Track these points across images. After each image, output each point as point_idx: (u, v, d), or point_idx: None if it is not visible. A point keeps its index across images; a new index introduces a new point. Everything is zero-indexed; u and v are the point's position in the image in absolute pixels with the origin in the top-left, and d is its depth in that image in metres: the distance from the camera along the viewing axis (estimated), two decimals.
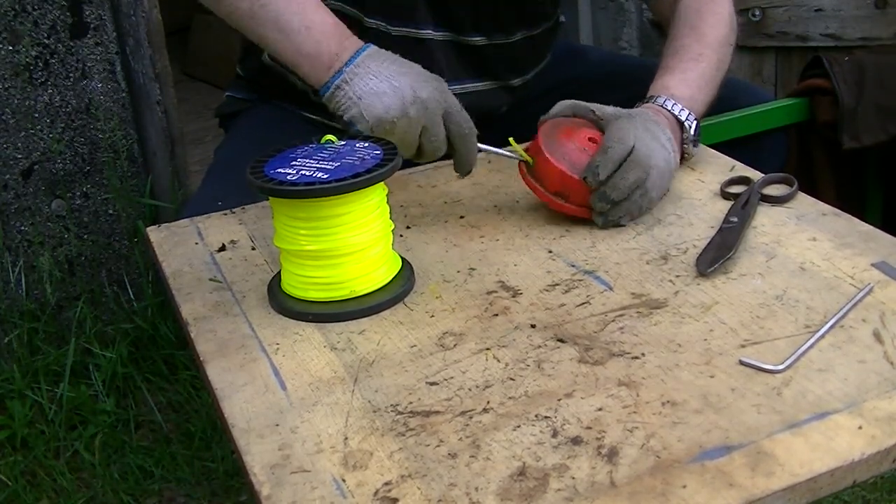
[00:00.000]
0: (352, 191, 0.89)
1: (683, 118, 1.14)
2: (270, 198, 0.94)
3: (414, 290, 0.96)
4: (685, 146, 1.16)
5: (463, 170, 1.10)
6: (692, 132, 1.15)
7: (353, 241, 0.93)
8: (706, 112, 1.21)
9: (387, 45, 1.11)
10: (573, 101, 1.14)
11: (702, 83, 1.19)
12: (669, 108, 1.14)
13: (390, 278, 0.96)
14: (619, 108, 1.11)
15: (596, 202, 1.04)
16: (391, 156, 0.94)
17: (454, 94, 1.08)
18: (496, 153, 1.09)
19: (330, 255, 0.93)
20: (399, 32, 1.29)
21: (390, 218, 0.97)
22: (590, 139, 1.08)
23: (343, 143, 0.97)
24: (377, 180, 0.91)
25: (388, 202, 0.97)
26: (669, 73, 1.19)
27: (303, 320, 0.93)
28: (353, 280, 0.94)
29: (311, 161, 0.93)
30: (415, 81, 1.05)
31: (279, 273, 0.98)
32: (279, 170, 0.92)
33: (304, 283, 0.94)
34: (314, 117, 1.36)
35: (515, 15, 1.35)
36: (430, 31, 1.30)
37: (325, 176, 0.90)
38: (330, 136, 0.99)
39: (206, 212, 1.17)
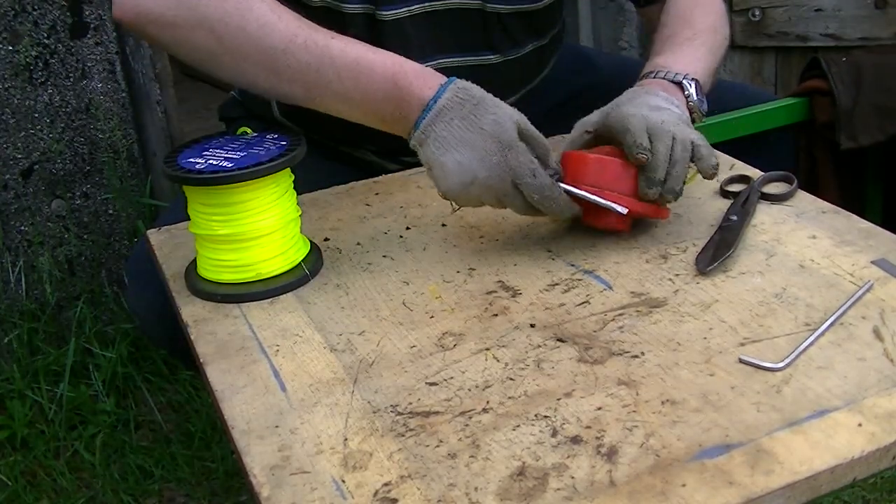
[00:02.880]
0: (252, 178, 0.95)
1: (680, 80, 1.11)
2: (184, 186, 0.99)
3: (414, 291, 0.97)
4: (690, 104, 1.11)
5: (560, 219, 1.04)
6: (693, 90, 1.11)
7: (259, 226, 0.98)
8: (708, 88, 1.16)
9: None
10: (568, 140, 1.09)
11: (697, 55, 1.17)
12: (662, 76, 1.12)
13: (297, 262, 1.01)
14: (601, 110, 1.07)
15: (646, 188, 0.99)
16: (295, 146, 0.98)
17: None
18: (588, 198, 0.99)
19: (238, 239, 0.98)
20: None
21: (390, 218, 0.97)
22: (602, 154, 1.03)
23: (255, 134, 1.01)
24: (277, 169, 0.96)
25: (294, 189, 1.01)
26: (658, 55, 1.18)
27: (212, 300, 0.97)
28: (260, 263, 0.99)
29: (221, 151, 0.98)
30: (478, 156, 0.97)
31: (195, 259, 1.03)
32: (190, 159, 0.97)
33: (216, 266, 1.00)
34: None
35: None
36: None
37: (230, 165, 0.95)
38: (245, 128, 1.04)
39: (185, 218, 1.16)
